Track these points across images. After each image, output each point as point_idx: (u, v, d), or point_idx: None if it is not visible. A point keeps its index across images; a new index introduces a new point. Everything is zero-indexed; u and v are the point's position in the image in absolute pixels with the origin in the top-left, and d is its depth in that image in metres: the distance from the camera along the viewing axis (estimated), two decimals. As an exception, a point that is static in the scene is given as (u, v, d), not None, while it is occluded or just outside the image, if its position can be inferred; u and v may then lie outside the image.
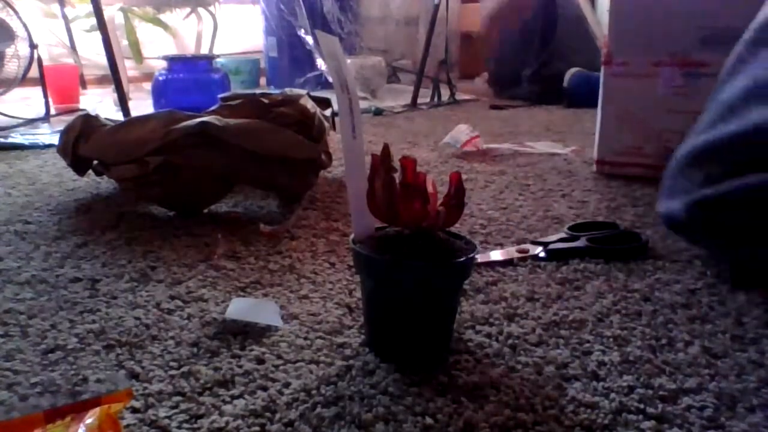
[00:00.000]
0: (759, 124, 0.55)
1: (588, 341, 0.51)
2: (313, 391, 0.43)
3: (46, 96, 1.71)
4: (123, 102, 1.51)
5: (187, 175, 0.80)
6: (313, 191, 0.93)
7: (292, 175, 0.86)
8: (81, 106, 1.90)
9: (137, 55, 2.26)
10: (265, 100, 0.89)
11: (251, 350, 0.49)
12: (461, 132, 1.26)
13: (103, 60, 1.51)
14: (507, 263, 0.67)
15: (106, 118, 0.90)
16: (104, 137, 0.83)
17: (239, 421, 0.40)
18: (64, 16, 2.23)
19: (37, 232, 0.77)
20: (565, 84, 1.99)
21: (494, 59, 2.31)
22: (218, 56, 1.97)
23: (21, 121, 1.57)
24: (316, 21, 2.24)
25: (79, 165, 0.90)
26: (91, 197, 0.93)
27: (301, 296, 0.59)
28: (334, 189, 0.98)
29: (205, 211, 0.85)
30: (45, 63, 1.76)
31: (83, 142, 0.85)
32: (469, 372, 0.46)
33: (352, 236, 0.49)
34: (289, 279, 0.63)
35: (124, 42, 2.20)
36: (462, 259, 0.46)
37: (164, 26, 2.42)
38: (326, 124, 0.93)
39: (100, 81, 2.38)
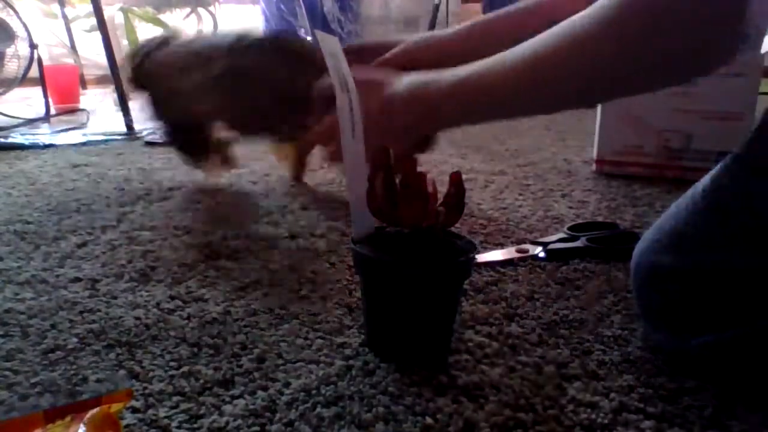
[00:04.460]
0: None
1: (588, 341, 0.51)
2: (313, 391, 0.43)
3: (46, 96, 1.71)
4: (123, 102, 1.51)
5: (248, 86, 0.81)
6: (313, 191, 0.93)
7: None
8: (81, 106, 1.90)
9: (137, 55, 2.26)
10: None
11: (251, 350, 0.49)
12: None
13: (103, 60, 1.51)
14: (507, 263, 0.67)
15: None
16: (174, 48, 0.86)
17: (239, 421, 0.40)
18: (64, 16, 2.23)
19: (37, 232, 0.77)
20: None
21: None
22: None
23: (21, 121, 1.58)
24: (316, 21, 2.24)
25: (137, 81, 0.92)
26: (91, 197, 0.93)
27: (301, 296, 0.59)
28: (334, 189, 0.98)
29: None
30: (45, 63, 1.77)
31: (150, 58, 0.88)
32: (469, 372, 0.46)
33: (352, 236, 0.49)
34: (289, 279, 0.63)
35: (124, 42, 2.20)
36: (462, 259, 0.46)
37: (164, 26, 2.42)
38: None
39: (100, 81, 2.39)
